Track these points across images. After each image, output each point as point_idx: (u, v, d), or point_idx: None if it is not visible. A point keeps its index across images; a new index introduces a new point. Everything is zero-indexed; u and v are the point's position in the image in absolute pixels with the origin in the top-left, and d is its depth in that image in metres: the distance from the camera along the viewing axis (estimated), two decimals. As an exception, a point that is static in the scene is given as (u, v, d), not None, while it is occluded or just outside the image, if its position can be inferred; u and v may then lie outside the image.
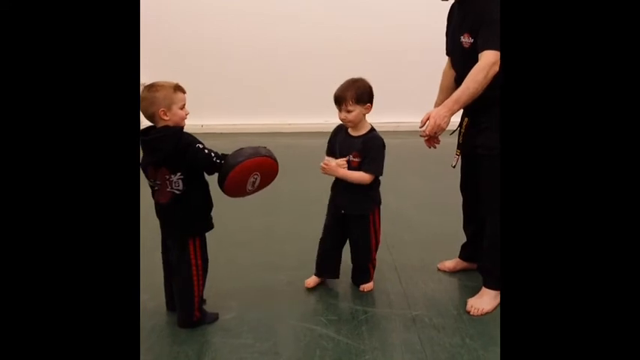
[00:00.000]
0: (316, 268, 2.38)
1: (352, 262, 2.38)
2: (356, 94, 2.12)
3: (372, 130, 2.22)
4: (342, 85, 2.16)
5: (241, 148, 1.93)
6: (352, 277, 2.40)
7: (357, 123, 2.19)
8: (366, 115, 2.19)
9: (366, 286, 2.35)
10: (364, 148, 2.18)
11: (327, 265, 2.37)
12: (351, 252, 2.36)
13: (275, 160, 1.97)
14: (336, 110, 2.19)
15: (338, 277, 2.38)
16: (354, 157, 2.19)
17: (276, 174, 2.01)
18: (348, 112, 2.13)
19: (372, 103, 2.17)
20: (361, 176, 2.17)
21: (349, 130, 2.23)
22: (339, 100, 2.14)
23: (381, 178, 2.25)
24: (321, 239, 2.38)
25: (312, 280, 2.37)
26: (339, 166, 2.19)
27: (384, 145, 2.20)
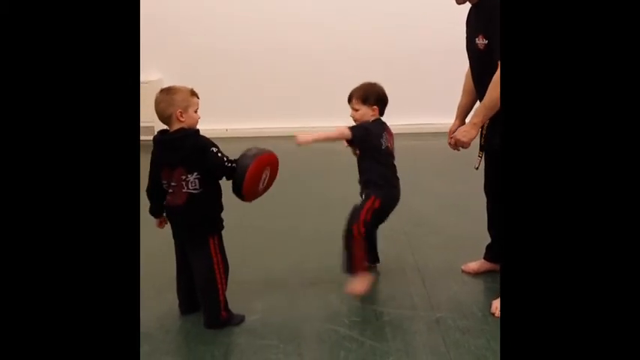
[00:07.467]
0: None
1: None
2: (362, 94, 2.28)
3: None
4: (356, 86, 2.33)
5: (247, 149, 2.02)
6: None
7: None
8: (374, 115, 2.30)
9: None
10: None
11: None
12: None
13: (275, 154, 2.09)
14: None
15: (378, 262, 2.51)
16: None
17: (278, 168, 2.10)
18: (355, 110, 2.29)
19: (379, 107, 2.30)
20: (339, 129, 2.24)
21: None
22: (349, 98, 2.32)
23: (398, 176, 2.34)
24: None
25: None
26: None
27: (365, 125, 2.28)
